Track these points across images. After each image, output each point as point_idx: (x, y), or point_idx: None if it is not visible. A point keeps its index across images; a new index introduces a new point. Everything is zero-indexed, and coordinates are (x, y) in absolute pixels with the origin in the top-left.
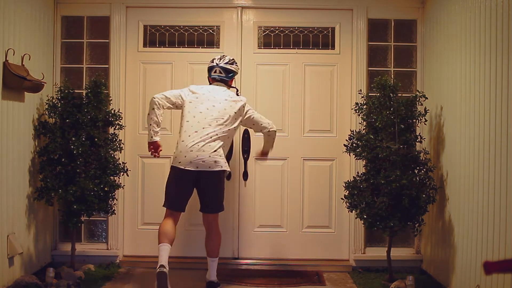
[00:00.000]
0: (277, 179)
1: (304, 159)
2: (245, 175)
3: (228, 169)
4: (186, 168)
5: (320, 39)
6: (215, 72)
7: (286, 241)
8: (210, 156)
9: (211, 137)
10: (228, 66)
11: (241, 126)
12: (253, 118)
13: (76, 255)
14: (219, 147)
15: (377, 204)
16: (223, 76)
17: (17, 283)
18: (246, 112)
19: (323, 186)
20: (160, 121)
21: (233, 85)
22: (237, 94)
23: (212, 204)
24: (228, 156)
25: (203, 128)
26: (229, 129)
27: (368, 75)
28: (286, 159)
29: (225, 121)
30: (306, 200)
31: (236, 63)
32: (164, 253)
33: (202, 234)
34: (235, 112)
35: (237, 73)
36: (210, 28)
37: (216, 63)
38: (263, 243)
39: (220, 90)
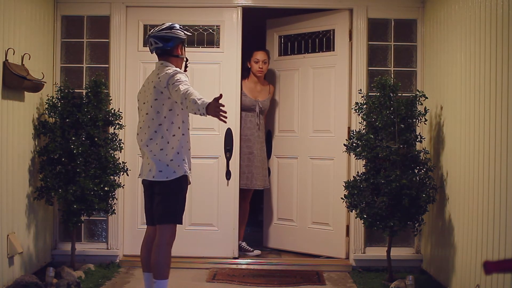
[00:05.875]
0: (289, 177)
1: (310, 158)
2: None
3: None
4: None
5: (322, 40)
6: (151, 45)
7: (295, 235)
8: None
9: None
10: (163, 33)
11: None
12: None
13: (76, 254)
14: None
15: (377, 203)
16: (160, 45)
17: (17, 283)
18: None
19: (324, 185)
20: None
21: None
22: (186, 66)
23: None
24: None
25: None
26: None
27: (368, 74)
28: (297, 157)
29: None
30: (309, 199)
31: (176, 28)
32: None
33: (202, 234)
34: (155, 100)
35: (182, 38)
36: (210, 27)
37: (149, 34)
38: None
39: (151, 76)
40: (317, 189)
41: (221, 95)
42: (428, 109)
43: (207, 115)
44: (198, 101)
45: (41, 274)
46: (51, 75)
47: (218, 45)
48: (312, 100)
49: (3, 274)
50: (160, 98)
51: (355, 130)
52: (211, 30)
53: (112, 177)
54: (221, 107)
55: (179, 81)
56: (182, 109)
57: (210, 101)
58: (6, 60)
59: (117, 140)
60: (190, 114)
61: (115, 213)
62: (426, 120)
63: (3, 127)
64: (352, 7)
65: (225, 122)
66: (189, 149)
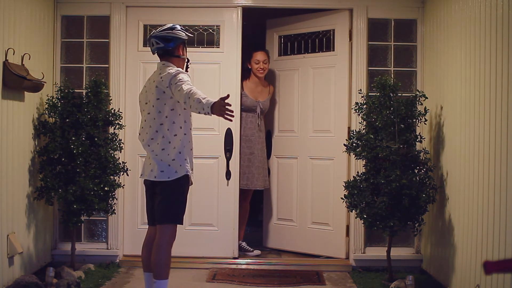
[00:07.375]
0: (289, 177)
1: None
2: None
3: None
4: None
5: (322, 40)
6: (152, 46)
7: (295, 235)
8: None
9: None
10: (164, 34)
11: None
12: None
13: (76, 254)
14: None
15: (377, 203)
16: (162, 45)
17: (17, 283)
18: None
19: (324, 185)
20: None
21: (187, 56)
22: (187, 66)
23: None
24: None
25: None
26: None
27: (368, 74)
28: (296, 157)
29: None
30: (309, 199)
31: (178, 29)
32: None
33: (202, 234)
34: (158, 99)
35: (183, 39)
36: (210, 27)
37: (150, 35)
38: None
39: (153, 76)
40: (317, 189)
41: (228, 95)
42: (428, 109)
43: (212, 114)
44: (203, 100)
45: (41, 274)
46: (51, 75)
47: (218, 45)
48: (312, 100)
49: (3, 274)
50: (162, 98)
51: (355, 130)
52: (211, 30)
53: (112, 177)
54: (227, 106)
55: (182, 81)
56: (184, 108)
57: (215, 100)
58: (6, 60)
59: (117, 140)
60: (192, 114)
61: (115, 213)
62: (426, 120)
63: (3, 127)
64: (352, 7)
65: (231, 121)
66: (191, 149)
